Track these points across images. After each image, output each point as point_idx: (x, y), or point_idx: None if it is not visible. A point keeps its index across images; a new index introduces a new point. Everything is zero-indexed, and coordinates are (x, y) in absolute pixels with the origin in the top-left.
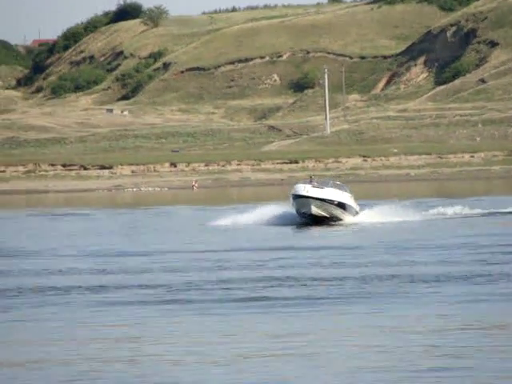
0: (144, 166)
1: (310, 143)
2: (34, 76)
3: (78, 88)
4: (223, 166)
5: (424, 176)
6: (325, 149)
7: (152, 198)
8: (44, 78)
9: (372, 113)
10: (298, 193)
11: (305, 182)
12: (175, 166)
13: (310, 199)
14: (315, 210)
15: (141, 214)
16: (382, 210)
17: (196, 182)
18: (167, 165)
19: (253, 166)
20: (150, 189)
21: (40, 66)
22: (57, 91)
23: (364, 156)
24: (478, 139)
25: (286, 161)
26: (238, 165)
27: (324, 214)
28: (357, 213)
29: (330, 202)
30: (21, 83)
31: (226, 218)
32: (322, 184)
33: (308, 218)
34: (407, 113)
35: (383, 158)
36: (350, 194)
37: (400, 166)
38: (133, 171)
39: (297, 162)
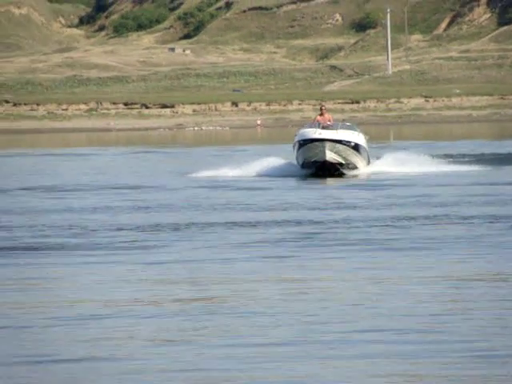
0: (205, 105)
1: (371, 83)
2: (96, 14)
3: (140, 27)
4: (285, 105)
5: (486, 117)
6: (386, 89)
7: (218, 137)
8: (106, 17)
9: (434, 53)
10: (307, 137)
11: (311, 126)
12: (236, 106)
13: (325, 142)
14: (330, 155)
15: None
16: (400, 157)
17: (260, 121)
18: (228, 104)
19: (314, 105)
20: (211, 128)
21: (102, 5)
22: (119, 30)
23: (426, 96)
24: None
25: (348, 101)
26: (300, 104)
27: (339, 159)
28: (369, 160)
29: (347, 143)
30: (83, 21)
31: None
32: (333, 126)
33: (318, 167)
34: (470, 53)
35: (445, 99)
36: (364, 136)
37: (462, 107)
38: (194, 110)
39: (358, 102)
